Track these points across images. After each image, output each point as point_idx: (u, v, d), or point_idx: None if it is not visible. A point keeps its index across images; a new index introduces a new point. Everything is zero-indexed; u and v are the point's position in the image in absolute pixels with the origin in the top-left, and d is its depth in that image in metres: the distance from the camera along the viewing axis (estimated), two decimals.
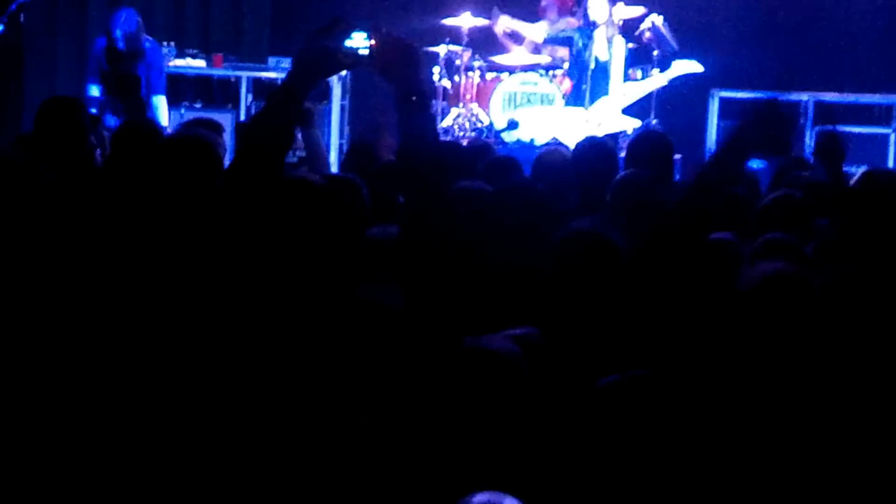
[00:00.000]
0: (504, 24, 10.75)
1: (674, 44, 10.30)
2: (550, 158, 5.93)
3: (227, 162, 3.96)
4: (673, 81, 10.20)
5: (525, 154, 8.42)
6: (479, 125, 10.49)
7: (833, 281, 3.29)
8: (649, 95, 10.35)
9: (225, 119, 9.19)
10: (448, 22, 10.62)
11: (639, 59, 10.46)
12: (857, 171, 4.65)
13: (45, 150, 4.65)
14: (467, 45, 10.60)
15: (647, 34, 10.28)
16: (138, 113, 6.78)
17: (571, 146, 6.32)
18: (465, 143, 9.37)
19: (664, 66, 10.28)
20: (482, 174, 5.54)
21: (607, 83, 10.01)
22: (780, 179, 6.02)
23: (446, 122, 10.44)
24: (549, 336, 3.18)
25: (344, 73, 9.76)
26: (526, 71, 10.59)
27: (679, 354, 3.14)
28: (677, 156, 8.01)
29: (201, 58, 10.93)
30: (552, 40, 10.63)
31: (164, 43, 10.40)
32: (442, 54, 10.56)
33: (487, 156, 6.36)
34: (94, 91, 8.23)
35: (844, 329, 3.13)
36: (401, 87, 2.82)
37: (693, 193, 3.32)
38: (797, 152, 9.73)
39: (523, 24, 10.73)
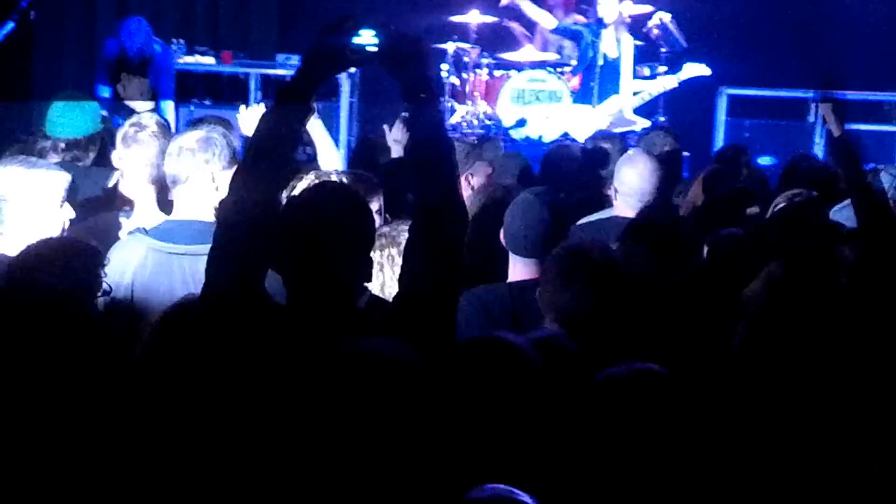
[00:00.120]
0: None
1: (682, 41, 10.28)
2: (559, 154, 5.95)
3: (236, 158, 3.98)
4: (682, 81, 10.19)
5: (533, 151, 8.44)
6: (487, 122, 10.48)
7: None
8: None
9: (234, 116, 9.17)
10: (456, 19, 10.61)
11: (646, 56, 10.44)
12: (867, 169, 4.66)
13: None
14: (476, 43, 10.59)
15: (655, 31, 10.25)
16: None
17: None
18: (473, 140, 9.35)
19: (672, 63, 10.24)
20: None
21: (616, 81, 9.98)
22: (790, 175, 6.03)
23: (454, 119, 10.44)
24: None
25: (353, 70, 9.78)
26: (534, 68, 10.58)
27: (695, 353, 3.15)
28: (686, 153, 8.02)
29: (210, 55, 10.93)
30: (562, 32, 10.47)
31: (174, 40, 10.45)
32: (450, 51, 10.56)
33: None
34: (105, 92, 8.55)
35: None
36: (409, 83, 2.82)
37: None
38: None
39: (535, 7, 10.35)
